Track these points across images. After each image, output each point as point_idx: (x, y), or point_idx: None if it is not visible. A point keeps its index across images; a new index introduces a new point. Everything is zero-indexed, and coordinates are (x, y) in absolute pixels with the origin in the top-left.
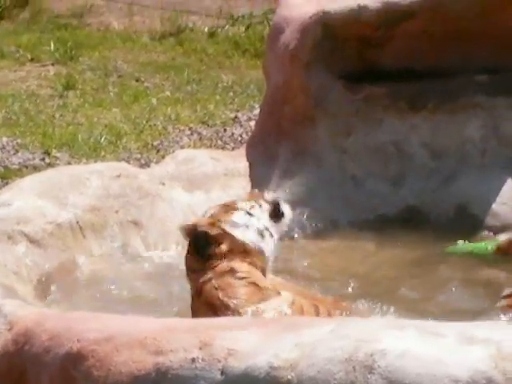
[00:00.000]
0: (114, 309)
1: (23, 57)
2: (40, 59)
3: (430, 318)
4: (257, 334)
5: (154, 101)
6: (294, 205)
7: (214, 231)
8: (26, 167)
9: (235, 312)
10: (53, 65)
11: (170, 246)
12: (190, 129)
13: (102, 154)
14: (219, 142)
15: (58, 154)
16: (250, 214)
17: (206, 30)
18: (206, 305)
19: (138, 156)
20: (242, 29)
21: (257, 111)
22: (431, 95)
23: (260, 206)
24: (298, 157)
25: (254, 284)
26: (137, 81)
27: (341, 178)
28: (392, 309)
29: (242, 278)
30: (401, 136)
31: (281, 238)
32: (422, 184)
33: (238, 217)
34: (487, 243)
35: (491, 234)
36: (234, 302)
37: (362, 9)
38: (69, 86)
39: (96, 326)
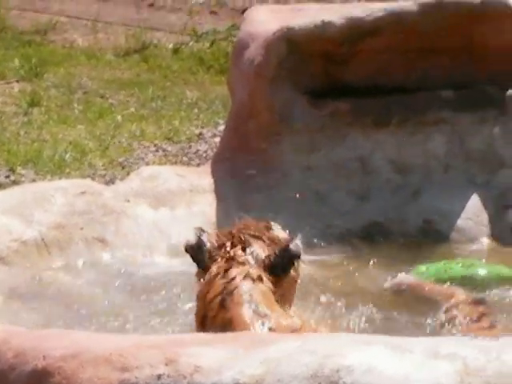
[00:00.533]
0: (80, 325)
1: None
2: (4, 76)
3: (397, 333)
4: (223, 349)
5: (118, 117)
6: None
7: None
8: None
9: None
10: (17, 82)
11: (135, 262)
12: (155, 145)
13: (67, 170)
14: (184, 159)
15: (23, 171)
16: None
17: (170, 46)
18: None
19: (103, 173)
20: (207, 45)
21: (222, 127)
22: (396, 111)
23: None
24: (263, 173)
25: None
26: (101, 97)
27: (305, 193)
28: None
29: None
30: (365, 152)
31: None
32: (386, 200)
33: None
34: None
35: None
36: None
37: (326, 25)
38: (33, 103)
39: (62, 342)
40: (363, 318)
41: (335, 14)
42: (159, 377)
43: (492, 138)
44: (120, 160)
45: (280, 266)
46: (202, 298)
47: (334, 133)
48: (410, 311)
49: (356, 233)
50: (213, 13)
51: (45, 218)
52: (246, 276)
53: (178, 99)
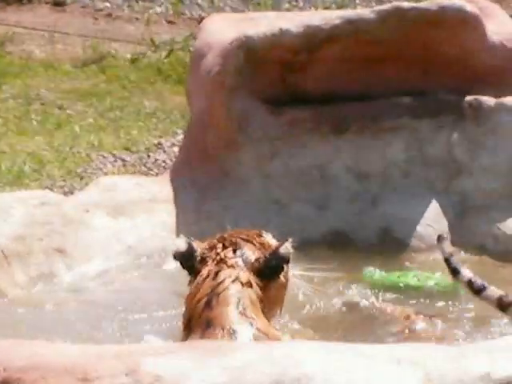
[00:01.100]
0: (41, 336)
1: None
2: None
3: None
4: (184, 358)
5: (76, 128)
6: (217, 230)
7: None
8: None
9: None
10: None
11: (95, 272)
12: (113, 155)
13: (26, 182)
14: (143, 168)
15: None
16: None
17: (128, 56)
18: None
19: (62, 183)
20: (164, 55)
21: (180, 137)
22: (354, 118)
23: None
24: (223, 181)
25: None
26: (59, 108)
27: (265, 201)
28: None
29: None
30: (324, 159)
31: None
32: (346, 207)
33: None
34: (401, 275)
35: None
36: None
37: (283, 33)
38: None
39: (22, 353)
40: None
41: (292, 22)
42: None
43: (450, 144)
44: (78, 170)
45: (269, 270)
46: (190, 301)
47: (292, 141)
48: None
49: (316, 241)
50: (170, 22)
51: (4, 230)
52: (236, 280)
53: (136, 109)
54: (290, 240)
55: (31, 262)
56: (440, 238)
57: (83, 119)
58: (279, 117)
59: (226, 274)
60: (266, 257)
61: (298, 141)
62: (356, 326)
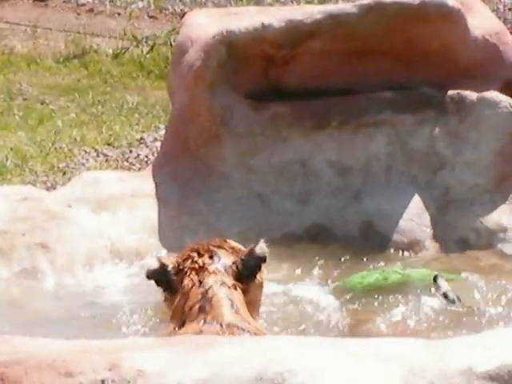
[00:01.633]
0: (24, 331)
1: None
2: None
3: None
4: (166, 353)
5: (59, 123)
6: (200, 225)
7: None
8: None
9: None
10: None
11: (78, 268)
12: (95, 150)
13: (8, 177)
14: (125, 164)
15: None
16: None
17: (110, 51)
18: None
19: (45, 179)
20: (146, 50)
21: (162, 132)
22: (336, 113)
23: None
24: (205, 176)
25: None
26: (42, 103)
27: (247, 196)
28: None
29: None
30: (306, 154)
31: None
32: (328, 202)
33: None
34: (381, 274)
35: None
36: None
37: (266, 28)
38: None
39: (5, 348)
40: None
41: (274, 17)
42: (103, 382)
43: (432, 138)
44: (61, 166)
45: (247, 271)
46: (180, 310)
47: (274, 136)
48: None
49: (298, 235)
50: (152, 17)
51: None
52: (223, 284)
53: (119, 104)
54: (263, 240)
55: (14, 258)
56: (436, 277)
57: (65, 114)
58: (261, 111)
59: (211, 280)
60: (242, 259)
61: (280, 135)
62: None
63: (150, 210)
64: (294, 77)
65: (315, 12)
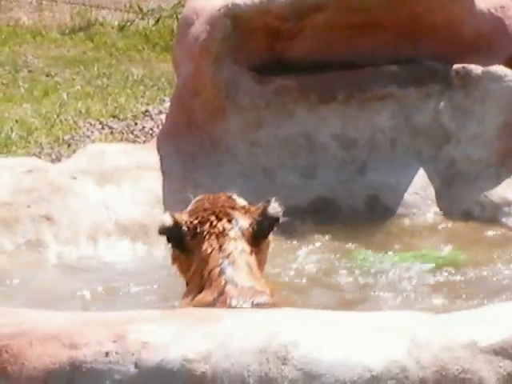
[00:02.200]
0: (27, 303)
1: None
2: None
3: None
4: (170, 325)
5: (64, 95)
6: None
7: None
8: None
9: None
10: None
11: (82, 240)
12: (100, 123)
13: (14, 149)
14: (130, 136)
15: None
16: None
17: (115, 24)
18: None
19: (50, 151)
20: (152, 22)
21: (167, 104)
22: (341, 87)
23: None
24: (209, 149)
25: None
26: (47, 76)
27: (252, 169)
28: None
29: None
30: (311, 128)
31: None
32: (333, 175)
33: None
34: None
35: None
36: None
37: (271, 0)
38: None
39: (9, 320)
40: None
41: None
42: (107, 354)
43: (437, 112)
44: (66, 138)
45: (261, 232)
46: (198, 275)
47: (279, 109)
48: None
49: (303, 208)
50: None
51: None
52: (242, 251)
53: (124, 77)
54: (274, 199)
55: (18, 229)
56: None
57: (71, 86)
58: (266, 85)
59: (231, 246)
60: (257, 220)
61: (285, 109)
62: None
63: (154, 183)
64: (299, 50)
65: None
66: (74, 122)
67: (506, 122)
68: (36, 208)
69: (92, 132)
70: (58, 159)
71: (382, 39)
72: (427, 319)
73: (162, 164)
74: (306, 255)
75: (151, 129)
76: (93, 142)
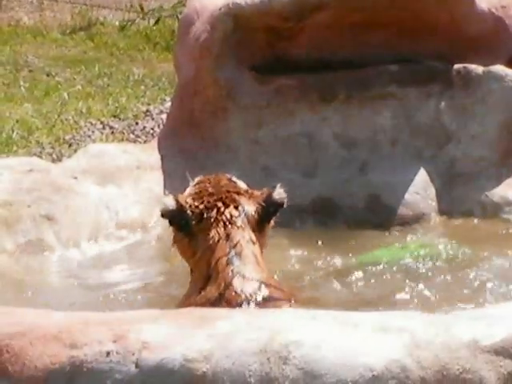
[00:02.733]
0: (28, 303)
1: None
2: None
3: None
4: (171, 325)
5: (65, 95)
6: None
7: None
8: None
9: None
10: None
11: (83, 240)
12: (101, 122)
13: (14, 148)
14: (131, 136)
15: None
16: None
17: (116, 23)
18: None
19: (50, 150)
20: (153, 22)
21: (168, 104)
22: (342, 86)
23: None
24: (210, 148)
25: None
26: (48, 75)
27: (253, 169)
28: None
29: None
30: (312, 127)
31: None
32: (334, 175)
33: None
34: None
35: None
36: None
37: (272, 0)
38: None
39: (10, 320)
40: None
41: None
42: (108, 353)
43: (438, 112)
44: (67, 138)
45: (266, 217)
46: (205, 263)
47: (280, 108)
48: None
49: (304, 208)
50: None
51: None
52: (249, 240)
53: (125, 76)
54: (279, 185)
55: (19, 229)
56: None
57: (71, 86)
58: (267, 84)
59: (238, 235)
60: (262, 206)
61: (286, 108)
62: None
63: (154, 183)
64: (300, 49)
65: None
66: (75, 121)
67: (507, 121)
68: (37, 208)
69: (93, 132)
70: (59, 159)
71: (383, 39)
72: (428, 318)
73: (162, 164)
74: (305, 255)
75: (152, 128)
76: (94, 141)
